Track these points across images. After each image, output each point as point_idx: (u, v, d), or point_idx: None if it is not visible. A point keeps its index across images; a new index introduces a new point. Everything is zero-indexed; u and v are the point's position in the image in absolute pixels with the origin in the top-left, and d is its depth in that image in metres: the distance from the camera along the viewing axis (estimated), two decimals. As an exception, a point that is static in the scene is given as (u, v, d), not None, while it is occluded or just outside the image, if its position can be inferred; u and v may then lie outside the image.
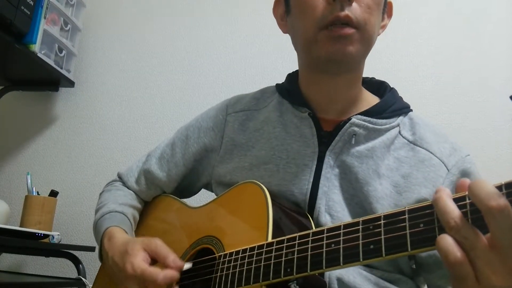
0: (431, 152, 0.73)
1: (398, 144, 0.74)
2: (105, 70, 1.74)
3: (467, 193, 0.42)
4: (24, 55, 1.43)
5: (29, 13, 1.37)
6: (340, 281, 0.65)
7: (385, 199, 0.69)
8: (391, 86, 0.83)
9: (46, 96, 1.73)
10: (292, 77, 0.85)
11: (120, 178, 0.95)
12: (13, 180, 1.68)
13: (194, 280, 0.71)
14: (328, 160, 0.73)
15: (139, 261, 0.65)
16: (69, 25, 1.62)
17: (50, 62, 1.52)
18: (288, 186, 0.73)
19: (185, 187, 0.92)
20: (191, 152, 0.87)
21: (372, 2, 0.69)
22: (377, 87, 0.84)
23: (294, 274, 0.54)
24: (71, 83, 1.69)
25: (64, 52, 1.60)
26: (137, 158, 0.95)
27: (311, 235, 0.54)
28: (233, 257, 0.63)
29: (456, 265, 0.41)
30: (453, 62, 1.46)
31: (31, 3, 1.38)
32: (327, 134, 0.74)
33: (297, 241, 0.55)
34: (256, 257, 0.59)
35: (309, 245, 0.54)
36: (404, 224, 0.46)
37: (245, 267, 0.60)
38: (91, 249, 1.38)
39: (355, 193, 0.71)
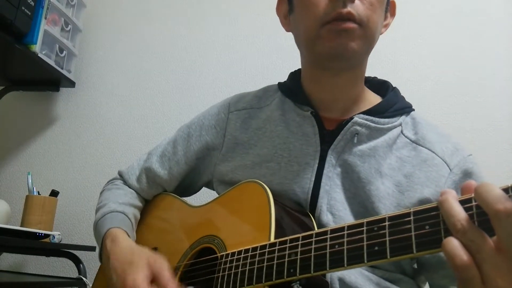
0: (434, 152, 0.73)
1: (400, 143, 0.74)
2: (105, 70, 1.74)
3: (473, 195, 0.42)
4: (25, 56, 1.42)
5: (29, 13, 1.37)
6: (341, 281, 0.65)
7: (387, 198, 0.69)
8: (394, 86, 0.83)
9: (47, 96, 1.73)
10: (295, 76, 0.85)
11: (121, 176, 0.95)
12: (13, 180, 1.67)
13: (195, 280, 0.70)
14: (330, 159, 0.73)
15: (142, 279, 0.62)
16: (69, 26, 1.62)
17: (51, 62, 1.52)
18: (290, 185, 0.73)
19: (187, 186, 0.92)
20: (193, 150, 0.87)
21: (374, 0, 0.70)
22: (380, 86, 0.84)
23: (298, 275, 0.53)
24: (71, 83, 1.69)
25: (64, 52, 1.60)
26: (138, 157, 0.95)
27: (314, 235, 0.54)
28: (236, 257, 0.62)
29: (462, 268, 0.40)
30: (453, 62, 1.46)
31: (32, 3, 1.38)
32: (329, 133, 0.74)
33: (300, 242, 0.55)
34: (258, 257, 0.59)
35: (313, 246, 0.53)
36: (410, 226, 0.46)
37: (247, 267, 0.60)
38: (92, 248, 1.38)
39: (357, 192, 0.71)
